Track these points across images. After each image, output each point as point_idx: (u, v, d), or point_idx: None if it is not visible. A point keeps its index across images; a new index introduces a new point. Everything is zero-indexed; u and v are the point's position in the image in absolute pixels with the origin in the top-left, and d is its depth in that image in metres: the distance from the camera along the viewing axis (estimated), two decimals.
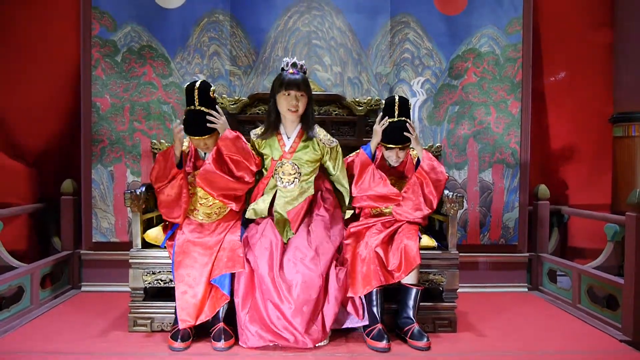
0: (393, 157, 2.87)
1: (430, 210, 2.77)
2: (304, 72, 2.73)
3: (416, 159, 2.91)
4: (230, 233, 2.71)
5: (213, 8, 3.53)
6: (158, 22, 3.51)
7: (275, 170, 2.75)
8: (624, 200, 2.91)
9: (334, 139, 2.81)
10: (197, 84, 2.66)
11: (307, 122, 2.75)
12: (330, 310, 2.51)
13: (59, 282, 3.44)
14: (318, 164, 2.80)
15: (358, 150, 2.91)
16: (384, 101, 2.98)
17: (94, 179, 3.53)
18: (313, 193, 2.76)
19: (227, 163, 2.67)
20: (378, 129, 2.82)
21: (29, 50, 3.59)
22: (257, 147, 2.82)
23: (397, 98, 2.84)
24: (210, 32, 3.55)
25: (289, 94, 2.65)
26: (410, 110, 2.93)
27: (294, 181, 2.72)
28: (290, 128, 2.77)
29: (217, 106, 2.71)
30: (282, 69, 2.73)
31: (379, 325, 2.54)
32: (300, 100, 2.67)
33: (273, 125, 2.76)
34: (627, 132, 3.58)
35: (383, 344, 2.47)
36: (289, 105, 2.66)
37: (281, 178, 2.73)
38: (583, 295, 3.18)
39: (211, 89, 2.70)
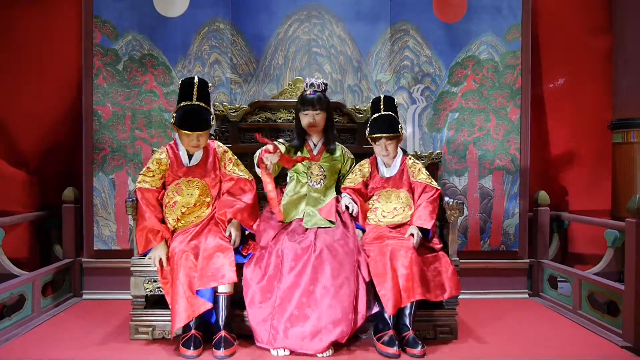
0: (382, 150, 2.92)
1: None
2: (324, 89, 3.00)
3: (411, 168, 2.93)
4: (212, 236, 2.64)
5: (214, 16, 3.56)
6: (159, 30, 3.53)
7: (305, 172, 2.99)
8: (624, 206, 2.92)
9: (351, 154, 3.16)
10: (196, 79, 2.72)
11: (327, 136, 3.05)
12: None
13: (61, 290, 3.45)
14: (337, 174, 3.08)
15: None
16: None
17: (96, 187, 3.55)
18: (336, 195, 3.01)
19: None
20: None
21: (30, 58, 3.63)
22: (287, 149, 3.06)
23: (382, 96, 3.00)
24: (211, 41, 3.57)
25: (307, 113, 2.93)
26: (397, 108, 3.01)
27: (320, 181, 2.98)
28: (316, 138, 3.05)
29: (210, 103, 2.82)
30: (304, 90, 3.01)
31: (391, 331, 2.52)
32: (318, 117, 2.95)
33: (300, 138, 3.04)
34: (627, 138, 3.60)
35: (394, 350, 2.46)
36: (307, 122, 2.96)
37: (310, 177, 2.97)
38: (584, 301, 3.18)
39: (209, 85, 2.79)
